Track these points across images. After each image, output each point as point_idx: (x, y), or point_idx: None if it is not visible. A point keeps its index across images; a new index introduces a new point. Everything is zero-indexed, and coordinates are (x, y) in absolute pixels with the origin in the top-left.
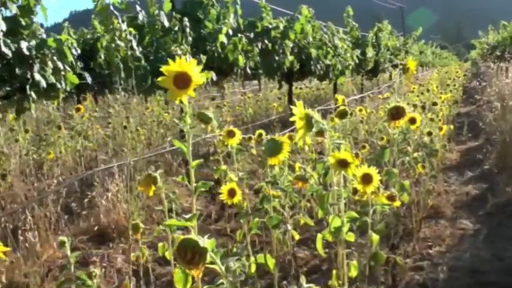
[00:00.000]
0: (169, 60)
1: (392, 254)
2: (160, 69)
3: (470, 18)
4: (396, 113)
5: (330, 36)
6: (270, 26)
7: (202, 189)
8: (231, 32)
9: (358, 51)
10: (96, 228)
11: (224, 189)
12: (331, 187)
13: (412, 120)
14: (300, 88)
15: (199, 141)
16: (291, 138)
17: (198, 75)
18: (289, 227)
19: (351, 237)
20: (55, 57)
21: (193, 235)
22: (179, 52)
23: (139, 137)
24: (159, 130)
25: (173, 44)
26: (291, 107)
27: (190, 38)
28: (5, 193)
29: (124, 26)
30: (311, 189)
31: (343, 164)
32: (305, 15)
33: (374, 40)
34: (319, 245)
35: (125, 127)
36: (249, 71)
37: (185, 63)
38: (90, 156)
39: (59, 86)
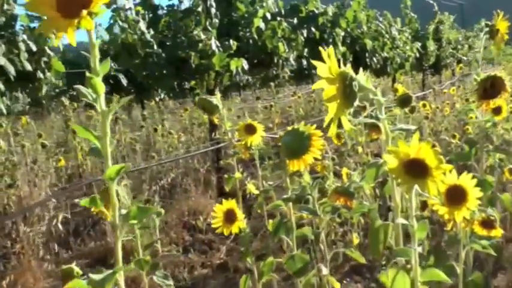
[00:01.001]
0: None
1: None
2: None
3: None
4: (491, 88)
5: (386, 26)
6: (317, 11)
7: (133, 221)
8: (269, 15)
9: (418, 44)
10: (97, 250)
11: (218, 210)
12: (391, 201)
13: (497, 110)
14: None
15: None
16: (339, 136)
17: None
18: (326, 271)
19: None
20: (25, 36)
21: None
22: (203, 36)
23: (173, 141)
24: (196, 133)
25: (195, 27)
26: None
27: (216, 20)
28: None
29: (129, 4)
30: (359, 209)
31: (418, 170)
32: (358, 1)
33: (435, 33)
34: None
35: (155, 130)
36: (292, 61)
37: None
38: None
39: (41, 75)
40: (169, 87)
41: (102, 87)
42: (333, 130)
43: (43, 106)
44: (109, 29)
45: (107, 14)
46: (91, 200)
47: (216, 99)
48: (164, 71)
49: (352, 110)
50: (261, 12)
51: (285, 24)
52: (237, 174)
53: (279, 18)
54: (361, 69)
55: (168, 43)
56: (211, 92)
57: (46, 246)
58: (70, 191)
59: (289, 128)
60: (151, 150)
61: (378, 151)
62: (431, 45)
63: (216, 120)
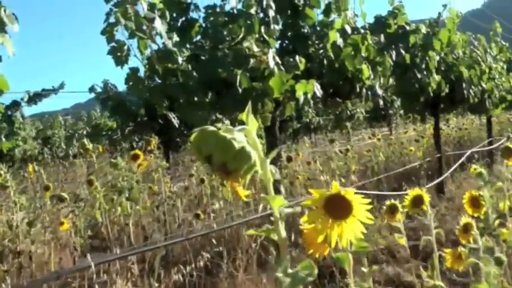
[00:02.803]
0: None
1: None
2: None
3: None
4: None
5: (482, 53)
6: (408, 28)
7: None
8: (349, 29)
9: None
10: None
11: None
12: None
13: None
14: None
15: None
16: (477, 201)
17: None
18: None
19: None
20: None
21: None
22: (256, 49)
23: (226, 194)
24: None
25: (246, 36)
26: None
27: (276, 27)
28: None
29: None
30: None
31: None
32: (452, 19)
33: None
34: None
35: (202, 181)
36: (380, 91)
37: None
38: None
39: None
40: (202, 122)
41: None
42: None
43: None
44: (107, 32)
45: (103, 8)
46: None
47: (247, 135)
48: (195, 98)
49: None
50: (338, 22)
51: (370, 41)
52: None
53: (363, 31)
54: None
55: (203, 57)
56: (268, 130)
57: None
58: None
59: None
60: (199, 206)
61: None
62: None
63: (242, 194)
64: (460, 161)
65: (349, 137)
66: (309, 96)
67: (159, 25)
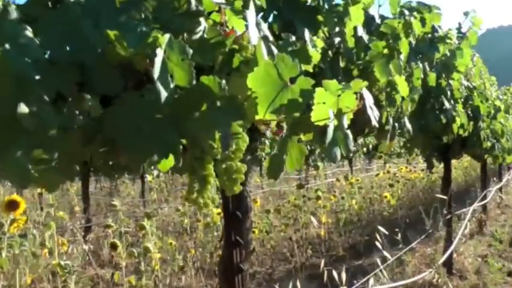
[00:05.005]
0: None
1: None
2: None
3: None
4: None
5: (488, 86)
6: (440, 33)
7: None
8: (376, 14)
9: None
10: None
11: None
12: None
13: None
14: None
15: None
16: None
17: None
18: None
19: None
20: None
21: None
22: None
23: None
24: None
25: None
26: None
27: None
28: None
29: None
30: None
31: None
32: (475, 33)
33: None
34: None
35: (113, 246)
36: (409, 125)
37: None
38: None
39: None
40: (53, 186)
41: None
42: None
43: None
44: None
45: None
46: None
47: None
48: (34, 108)
49: None
50: None
51: (418, 29)
52: None
53: (408, 13)
54: None
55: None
56: (227, 200)
57: None
58: None
59: None
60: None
61: None
62: None
63: None
64: (464, 224)
65: (307, 175)
66: (346, 122)
67: None
